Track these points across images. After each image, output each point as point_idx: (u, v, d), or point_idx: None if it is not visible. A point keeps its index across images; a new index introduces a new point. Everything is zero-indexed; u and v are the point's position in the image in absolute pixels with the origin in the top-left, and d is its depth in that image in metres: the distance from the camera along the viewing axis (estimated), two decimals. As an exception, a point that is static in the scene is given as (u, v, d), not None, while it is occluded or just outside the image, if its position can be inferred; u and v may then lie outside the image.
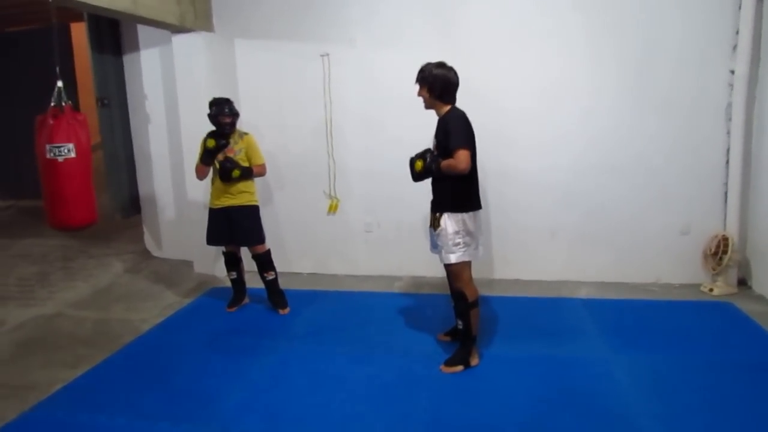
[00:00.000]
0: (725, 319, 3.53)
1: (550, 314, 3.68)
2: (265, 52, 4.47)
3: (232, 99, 3.80)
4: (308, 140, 4.50)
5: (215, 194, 3.71)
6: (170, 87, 4.58)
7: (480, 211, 2.93)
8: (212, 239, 3.78)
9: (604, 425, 2.43)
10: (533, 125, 4.16)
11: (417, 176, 2.91)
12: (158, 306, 4.02)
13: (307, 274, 4.67)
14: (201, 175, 3.72)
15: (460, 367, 2.92)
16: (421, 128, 4.29)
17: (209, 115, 3.60)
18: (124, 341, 3.44)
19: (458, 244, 2.81)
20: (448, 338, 3.24)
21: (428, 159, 2.83)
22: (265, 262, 3.79)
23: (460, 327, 2.92)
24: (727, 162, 3.96)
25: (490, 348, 3.18)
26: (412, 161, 2.93)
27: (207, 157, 3.60)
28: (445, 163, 2.79)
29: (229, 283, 3.98)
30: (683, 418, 2.46)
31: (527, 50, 4.07)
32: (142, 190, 5.12)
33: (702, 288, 4.02)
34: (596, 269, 4.24)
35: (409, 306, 3.91)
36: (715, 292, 3.92)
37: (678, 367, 2.90)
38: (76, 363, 3.16)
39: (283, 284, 3.91)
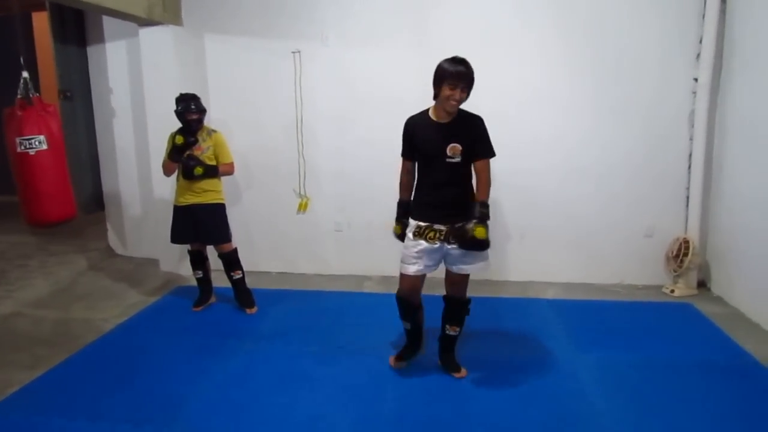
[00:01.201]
0: (685, 320, 3.63)
1: (517, 315, 3.72)
2: (235, 48, 4.40)
3: (201, 95, 3.74)
4: (278, 138, 4.45)
5: (180, 192, 3.65)
6: (137, 81, 4.47)
7: None
8: (177, 237, 3.70)
9: (568, 424, 2.47)
10: (502, 128, 4.18)
11: (481, 243, 2.53)
12: (121, 305, 3.92)
13: (276, 273, 4.62)
14: (168, 171, 3.64)
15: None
16: (392, 129, 4.30)
17: (176, 112, 3.53)
18: (85, 341, 3.34)
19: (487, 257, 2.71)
20: (404, 364, 2.96)
21: (486, 222, 2.56)
22: (231, 261, 3.74)
23: (454, 333, 2.87)
24: (689, 167, 4.08)
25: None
26: (466, 230, 2.53)
27: (175, 153, 3.53)
28: (486, 189, 2.62)
29: (195, 282, 3.90)
30: (645, 417, 2.52)
31: (497, 53, 4.11)
32: (106, 186, 4.99)
33: (664, 289, 4.13)
34: (563, 271, 4.32)
35: (379, 306, 3.90)
36: (676, 293, 4.04)
37: (640, 366, 2.97)
38: (33, 364, 3.05)
39: (251, 283, 3.86)
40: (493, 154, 2.66)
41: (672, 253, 4.11)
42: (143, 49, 4.24)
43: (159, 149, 3.83)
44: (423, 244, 2.66)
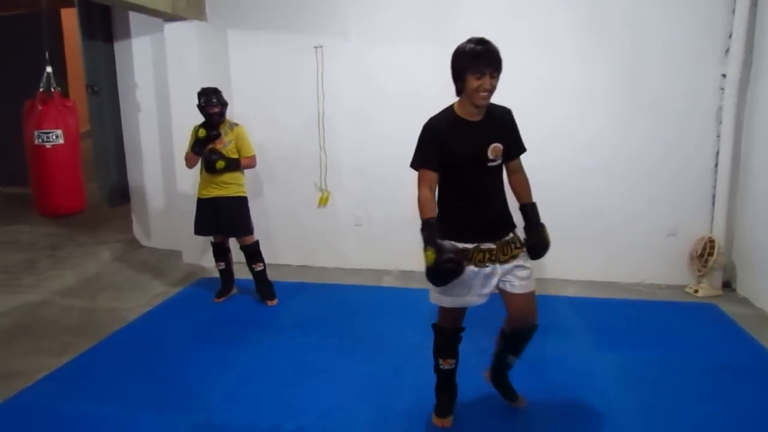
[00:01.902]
0: (709, 321, 3.57)
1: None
2: (258, 43, 4.44)
3: (224, 90, 3.79)
4: (300, 133, 4.49)
5: (203, 185, 3.70)
6: (161, 76, 4.55)
7: None
8: (199, 229, 3.77)
9: (586, 422, 2.46)
10: (523, 123, 4.16)
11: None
12: (145, 295, 4.01)
13: (296, 266, 4.67)
14: (191, 164, 3.71)
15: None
16: (413, 126, 4.29)
17: (198, 106, 3.59)
18: (111, 330, 3.43)
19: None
20: (451, 418, 2.49)
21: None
22: (253, 253, 3.79)
23: (512, 362, 2.47)
24: (716, 165, 4.00)
25: (478, 344, 3.20)
26: (546, 236, 2.39)
27: (198, 146, 3.59)
28: (530, 189, 2.41)
29: (217, 274, 3.97)
30: (664, 417, 2.50)
31: (521, 49, 4.06)
32: (132, 179, 5.09)
33: (687, 289, 4.07)
34: (583, 268, 4.28)
35: (397, 300, 3.92)
36: (700, 293, 3.97)
37: (661, 366, 2.93)
38: (61, 351, 3.14)
39: (271, 276, 3.91)
40: (525, 149, 2.39)
41: (696, 252, 4.04)
42: (168, 44, 4.31)
43: (182, 143, 3.89)
44: (472, 270, 2.18)
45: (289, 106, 4.48)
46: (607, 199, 4.17)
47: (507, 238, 2.24)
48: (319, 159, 4.49)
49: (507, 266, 2.21)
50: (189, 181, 4.29)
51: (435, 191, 2.27)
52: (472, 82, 2.12)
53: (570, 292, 4.07)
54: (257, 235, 3.84)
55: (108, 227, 5.49)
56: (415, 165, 2.31)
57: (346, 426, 2.42)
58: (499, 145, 2.21)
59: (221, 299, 3.89)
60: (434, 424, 2.43)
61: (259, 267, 3.80)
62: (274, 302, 3.82)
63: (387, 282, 4.32)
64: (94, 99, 4.77)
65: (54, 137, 3.13)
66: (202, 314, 3.69)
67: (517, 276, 2.23)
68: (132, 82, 4.81)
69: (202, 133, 3.55)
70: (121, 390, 2.74)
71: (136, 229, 5.21)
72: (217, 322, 3.57)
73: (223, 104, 3.62)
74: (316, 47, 4.32)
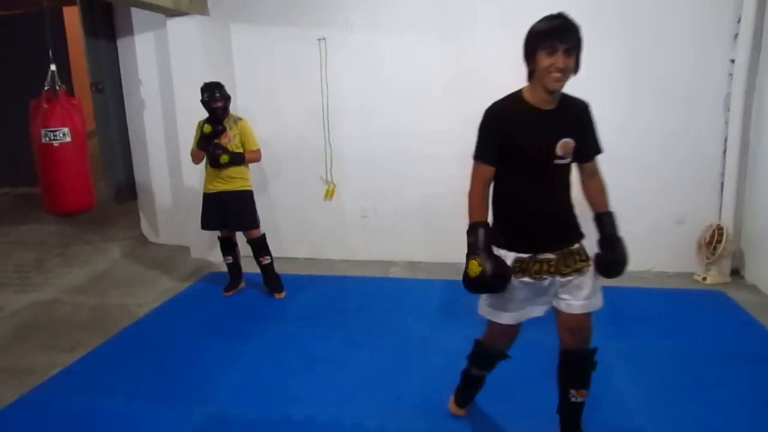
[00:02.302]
0: (717, 308, 3.56)
1: (544, 301, 3.70)
2: (260, 36, 4.44)
3: (228, 84, 3.79)
4: (304, 126, 4.49)
5: (208, 179, 3.72)
6: (165, 72, 4.55)
7: None
8: (206, 224, 3.78)
9: (593, 409, 2.46)
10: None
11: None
12: (155, 291, 4.04)
13: (303, 259, 4.69)
14: (197, 159, 3.72)
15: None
16: (418, 117, 4.32)
17: (202, 101, 3.60)
18: (121, 326, 3.46)
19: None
20: (465, 411, 2.43)
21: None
22: (260, 246, 3.80)
23: (581, 400, 2.11)
24: (725, 152, 3.96)
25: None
26: (623, 250, 2.12)
27: (203, 142, 3.60)
28: (606, 196, 2.11)
29: (225, 268, 3.99)
30: (672, 403, 2.50)
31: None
32: (138, 176, 5.11)
33: (695, 277, 4.05)
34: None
35: (405, 291, 3.94)
36: (708, 281, 3.95)
37: (669, 354, 2.93)
38: (73, 347, 3.18)
39: (278, 269, 3.93)
40: (602, 150, 2.09)
41: (705, 240, 4.02)
42: (171, 39, 4.32)
43: (188, 139, 3.90)
44: (527, 281, 1.95)
45: (293, 99, 4.48)
46: (615, 187, 4.06)
47: (572, 248, 1.97)
48: (324, 152, 4.49)
49: (567, 279, 1.96)
50: (195, 176, 4.30)
51: (489, 188, 1.97)
52: (543, 60, 1.82)
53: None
54: (264, 229, 3.85)
55: (116, 224, 5.53)
56: (475, 155, 1.96)
57: (356, 416, 2.44)
58: (570, 141, 1.91)
59: (230, 293, 3.91)
60: (449, 409, 2.42)
61: (266, 260, 3.82)
62: (282, 295, 3.84)
63: (394, 273, 4.33)
64: (98, 97, 4.79)
65: (61, 135, 3.16)
66: (211, 308, 3.72)
67: (577, 294, 1.98)
68: (136, 79, 4.82)
69: (207, 128, 3.56)
70: (132, 384, 2.77)
71: (144, 226, 5.24)
72: (227, 316, 3.59)
73: (227, 98, 3.63)
74: (319, 39, 4.31)
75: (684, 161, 4.04)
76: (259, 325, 3.41)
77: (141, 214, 5.24)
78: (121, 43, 4.86)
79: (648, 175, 4.09)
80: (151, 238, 5.18)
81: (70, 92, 3.48)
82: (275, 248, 3.96)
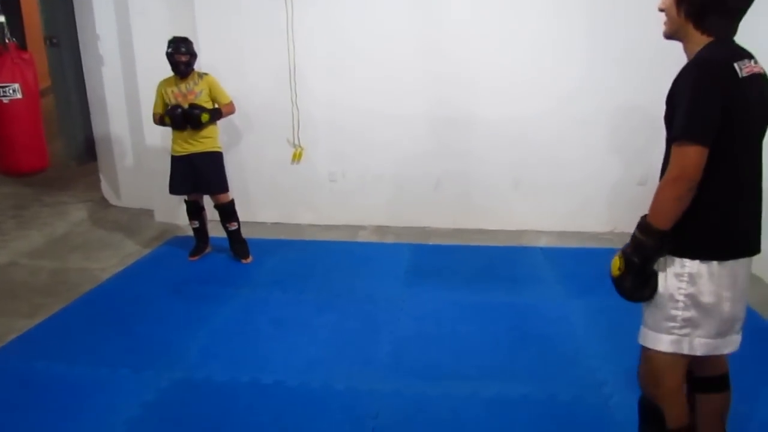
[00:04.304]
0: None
1: (510, 262, 3.76)
2: (224, -9, 4.24)
3: (191, 41, 3.63)
4: (271, 87, 4.35)
5: (177, 140, 3.59)
6: (124, 26, 4.32)
7: (744, 263, 1.49)
8: (175, 188, 3.67)
9: (559, 366, 2.54)
10: (499, 74, 4.13)
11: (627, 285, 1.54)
12: (118, 255, 3.94)
13: (271, 223, 4.63)
14: (159, 124, 3.62)
15: None
16: (387, 78, 4.24)
17: (166, 53, 3.46)
18: (83, 290, 3.37)
19: (674, 318, 1.50)
20: None
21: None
22: (228, 212, 3.73)
23: None
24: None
25: (453, 294, 3.26)
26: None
27: (162, 124, 3.58)
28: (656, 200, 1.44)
29: (191, 232, 3.91)
30: (633, 358, 2.59)
31: (497, 3, 4.00)
32: (98, 136, 4.90)
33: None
34: (556, 219, 4.34)
35: (373, 254, 3.94)
36: (669, 241, 4.07)
37: (631, 311, 3.01)
38: (32, 312, 3.09)
39: (246, 233, 3.87)
40: (683, 137, 1.42)
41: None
42: (130, -8, 4.09)
43: (149, 97, 3.74)
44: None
45: (260, 58, 4.32)
46: (578, 149, 4.19)
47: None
48: (292, 114, 4.38)
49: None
50: (158, 136, 4.16)
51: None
52: None
53: (543, 242, 4.13)
54: (232, 193, 3.77)
55: (75, 186, 5.33)
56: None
57: (325, 378, 2.46)
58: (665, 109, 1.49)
59: (196, 257, 3.85)
60: None
61: (233, 226, 3.75)
62: (249, 260, 3.79)
63: (362, 237, 4.32)
64: (53, 52, 4.54)
65: (11, 91, 2.99)
66: (176, 273, 3.65)
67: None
68: (93, 34, 4.56)
69: (166, 119, 3.50)
70: (96, 349, 2.72)
71: (105, 188, 5.07)
72: (193, 281, 3.54)
73: (192, 54, 3.49)
74: (285, -4, 4.14)
75: (646, 123, 4.07)
76: (227, 289, 3.38)
77: (101, 176, 5.06)
78: (76, -5, 4.58)
79: (610, 137, 4.14)
80: (113, 200, 5.02)
81: (22, 46, 3.29)
82: (242, 212, 3.88)
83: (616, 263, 1.54)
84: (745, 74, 1.38)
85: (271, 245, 4.08)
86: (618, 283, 1.54)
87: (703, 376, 1.64)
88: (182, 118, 3.46)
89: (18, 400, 2.34)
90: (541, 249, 4.01)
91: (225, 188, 3.70)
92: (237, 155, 4.51)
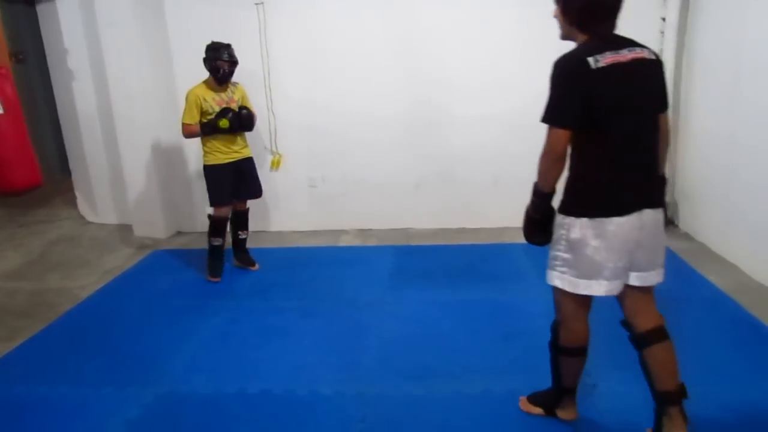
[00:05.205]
0: (654, 257, 3.75)
1: (492, 260, 3.79)
2: (195, 1, 4.21)
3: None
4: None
5: (222, 149, 3.42)
6: (93, 40, 4.27)
7: (623, 219, 1.76)
8: (224, 197, 3.47)
9: (543, 360, 2.55)
10: (473, 73, 4.17)
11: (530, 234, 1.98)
12: (97, 272, 3.88)
13: (253, 232, 4.58)
14: (193, 136, 3.42)
15: (539, 410, 2.17)
16: (362, 81, 4.25)
17: (206, 59, 3.34)
18: (63, 310, 3.32)
19: (557, 258, 1.90)
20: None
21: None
22: (247, 219, 3.72)
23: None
24: (658, 107, 4.11)
25: (436, 294, 3.28)
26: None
27: (213, 131, 3.35)
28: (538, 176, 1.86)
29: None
30: (616, 350, 2.63)
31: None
32: (71, 152, 4.84)
33: (634, 229, 4.24)
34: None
35: (356, 258, 3.94)
36: (646, 232, 4.14)
37: (611, 303, 3.06)
38: (11, 336, 3.02)
39: (229, 243, 3.84)
40: (545, 120, 1.92)
41: (641, 193, 4.19)
42: (98, 5, 4.04)
43: (123, 111, 3.72)
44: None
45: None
46: None
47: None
48: (268, 121, 4.37)
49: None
50: (134, 151, 4.12)
51: None
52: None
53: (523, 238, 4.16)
54: (206, 204, 3.73)
55: (50, 205, 5.26)
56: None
57: (311, 385, 2.45)
58: None
59: (219, 279, 3.62)
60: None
61: (245, 234, 3.74)
62: (257, 267, 3.76)
63: (345, 241, 4.32)
64: (20, 68, 4.47)
65: (-7, 107, 2.94)
66: (158, 287, 3.61)
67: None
68: (62, 48, 4.51)
69: (225, 124, 3.31)
70: (77, 369, 2.67)
71: (81, 205, 5.00)
72: (175, 294, 3.50)
73: (234, 62, 3.38)
74: (257, 3, 4.13)
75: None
76: (209, 301, 3.35)
77: (77, 193, 4.99)
78: (42, 9, 4.51)
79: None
80: (90, 217, 4.96)
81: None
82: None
83: (523, 218, 1.96)
84: (602, 65, 1.65)
85: (254, 254, 4.04)
86: (524, 232, 1.99)
87: (641, 332, 1.93)
88: (238, 121, 3.37)
89: (-1, 425, 2.30)
90: (522, 246, 4.02)
91: (261, 192, 3.69)
92: (214, 165, 4.48)
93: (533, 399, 2.20)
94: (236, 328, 3.01)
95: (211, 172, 3.45)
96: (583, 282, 1.86)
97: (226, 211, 3.56)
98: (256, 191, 3.65)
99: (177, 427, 2.24)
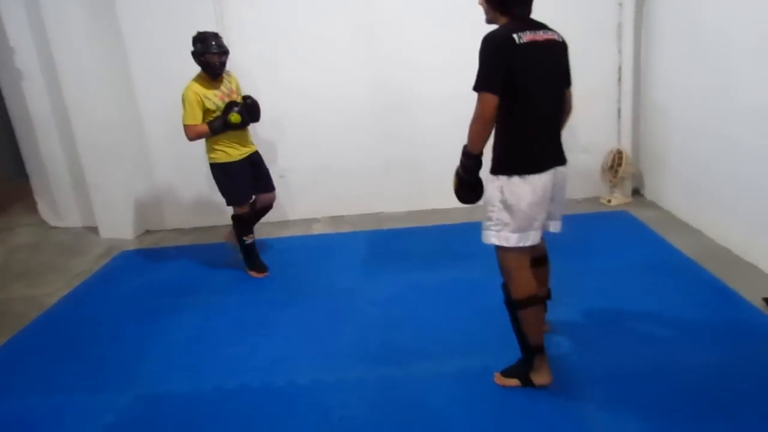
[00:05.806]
0: (622, 227, 3.83)
1: (465, 239, 3.79)
2: (147, -7, 4.08)
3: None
4: (207, 87, 4.24)
5: (233, 145, 3.26)
6: (42, 38, 4.10)
7: (544, 175, 2.03)
8: (244, 194, 3.34)
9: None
10: (435, 52, 4.15)
11: (462, 195, 2.20)
12: (64, 277, 3.78)
13: (224, 226, 4.53)
14: (198, 138, 3.21)
15: (514, 381, 2.23)
16: (326, 70, 4.19)
17: (195, 53, 3.15)
18: (29, 318, 3.22)
19: (491, 218, 2.10)
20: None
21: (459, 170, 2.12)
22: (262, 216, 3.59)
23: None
24: (619, 80, 4.16)
25: (411, 276, 3.29)
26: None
27: (225, 127, 3.15)
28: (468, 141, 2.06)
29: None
30: (588, 317, 2.69)
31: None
32: (27, 156, 4.67)
33: (601, 200, 4.32)
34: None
35: (329, 246, 3.93)
36: (613, 202, 4.22)
37: (582, 273, 3.12)
38: (-24, 348, 2.94)
39: (202, 239, 3.78)
40: (477, 88, 2.08)
41: (607, 164, 4.26)
42: (42, 1, 3.87)
43: (79, 110, 3.59)
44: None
45: (191, 61, 4.16)
46: None
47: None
48: (232, 113, 4.28)
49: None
50: (95, 151, 3.99)
51: None
52: None
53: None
54: (179, 198, 3.66)
55: (9, 211, 5.08)
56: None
57: (289, 375, 2.44)
58: None
59: (264, 273, 3.49)
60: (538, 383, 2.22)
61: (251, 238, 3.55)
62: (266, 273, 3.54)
63: (317, 229, 4.30)
64: (-36, 71, 4.28)
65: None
66: (129, 288, 3.53)
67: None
68: (7, 47, 4.31)
69: (236, 118, 3.13)
70: (49, 378, 2.61)
71: (42, 209, 4.85)
72: (147, 294, 3.43)
73: (225, 52, 3.18)
74: (211, -7, 4.02)
75: (584, 91, 4.16)
76: (182, 299, 3.29)
77: (36, 197, 4.83)
78: (-17, 8, 4.31)
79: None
80: (53, 221, 4.81)
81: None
82: (197, 218, 3.78)
83: (454, 180, 2.15)
84: (524, 41, 1.92)
85: (224, 249, 3.99)
86: (456, 194, 2.18)
87: (534, 257, 2.25)
88: (248, 112, 3.21)
89: (-32, 440, 2.23)
90: (494, 222, 4.07)
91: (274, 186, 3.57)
92: (182, 160, 4.38)
93: (507, 372, 2.27)
94: (211, 324, 2.98)
95: (223, 170, 3.28)
96: (516, 236, 2.06)
97: (248, 207, 3.44)
98: (270, 185, 3.50)
99: (156, 427, 2.21)
